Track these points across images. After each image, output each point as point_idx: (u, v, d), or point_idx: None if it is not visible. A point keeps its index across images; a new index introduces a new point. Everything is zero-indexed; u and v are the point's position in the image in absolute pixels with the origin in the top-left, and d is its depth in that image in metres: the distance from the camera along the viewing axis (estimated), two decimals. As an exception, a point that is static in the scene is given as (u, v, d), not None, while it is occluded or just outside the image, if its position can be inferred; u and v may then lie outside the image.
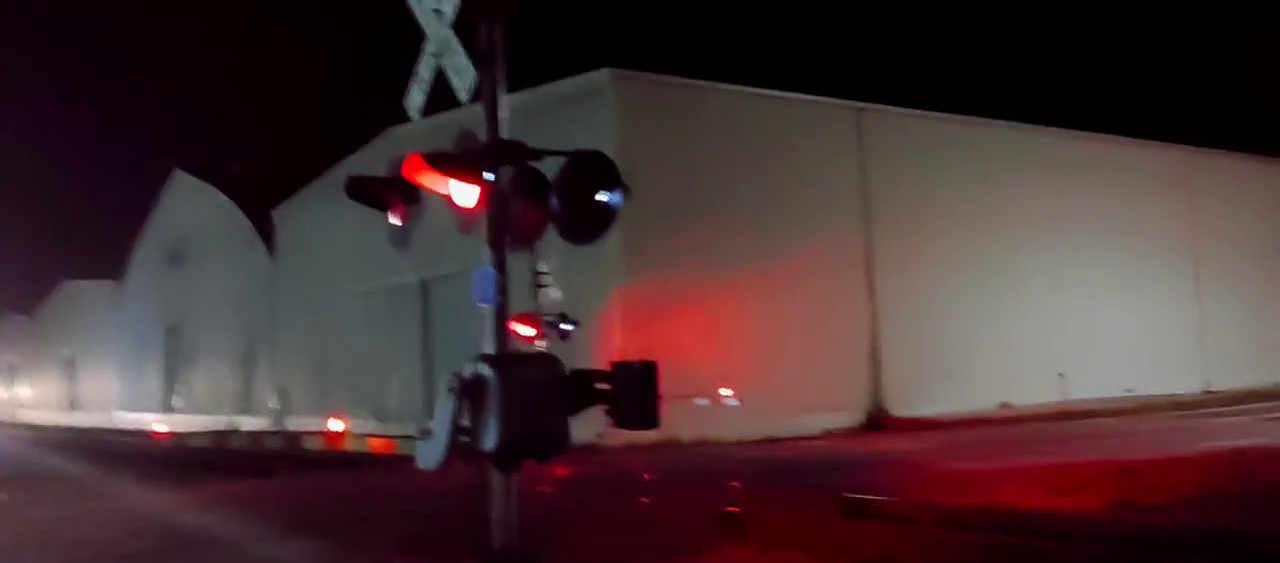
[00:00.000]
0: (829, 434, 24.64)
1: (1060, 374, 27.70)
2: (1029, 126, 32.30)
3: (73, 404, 58.59)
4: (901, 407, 26.59)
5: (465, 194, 5.89)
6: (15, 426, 54.09)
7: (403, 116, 7.01)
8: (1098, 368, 29.77)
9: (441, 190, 5.91)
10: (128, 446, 34.63)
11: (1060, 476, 13.24)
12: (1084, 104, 42.80)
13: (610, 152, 6.33)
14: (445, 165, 5.89)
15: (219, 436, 34.70)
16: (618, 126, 24.34)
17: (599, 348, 21.52)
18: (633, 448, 20.99)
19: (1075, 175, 32.23)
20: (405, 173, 5.91)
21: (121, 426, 47.43)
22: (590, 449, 19.77)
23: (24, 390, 65.66)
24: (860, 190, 28.01)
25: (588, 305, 21.69)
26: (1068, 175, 32.05)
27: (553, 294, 17.09)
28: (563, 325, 15.51)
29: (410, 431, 26.96)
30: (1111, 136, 34.10)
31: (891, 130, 28.98)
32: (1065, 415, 26.04)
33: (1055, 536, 9.46)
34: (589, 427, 6.16)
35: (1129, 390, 29.70)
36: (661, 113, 25.38)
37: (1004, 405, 27.73)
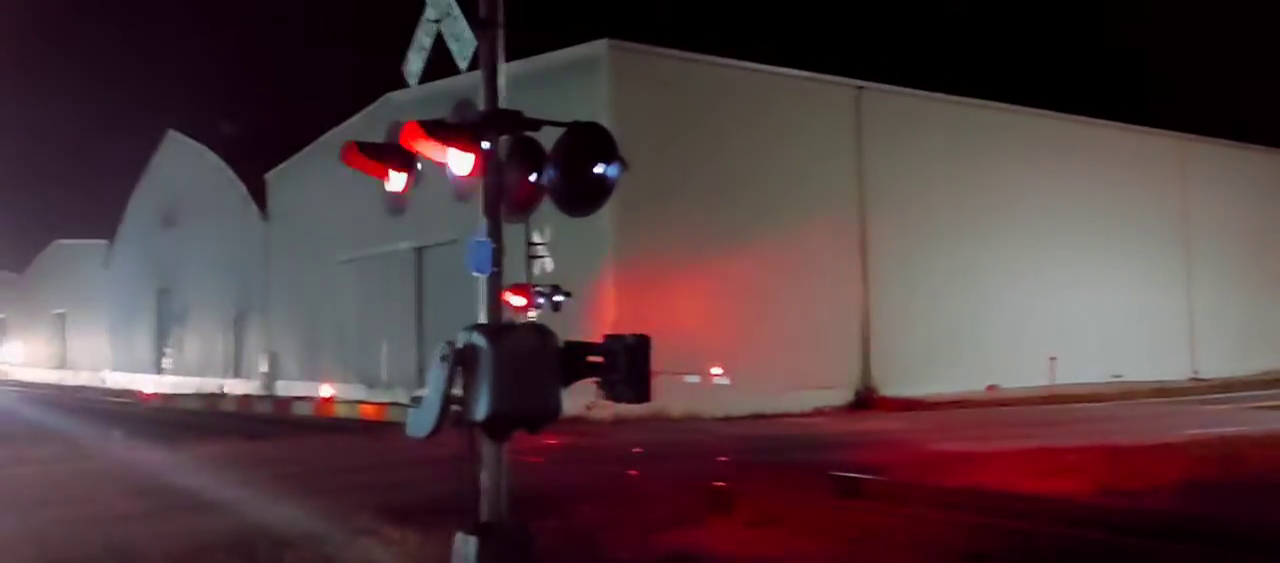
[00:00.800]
0: (818, 412, 24.73)
1: (1051, 358, 27.81)
2: (1025, 110, 32.31)
3: (62, 363, 58.49)
4: (891, 387, 26.68)
5: (462, 163, 5.86)
6: (4, 383, 54.03)
7: (399, 82, 6.95)
8: (1086, 353, 29.90)
9: (438, 158, 5.89)
10: (117, 406, 34.63)
11: (1048, 459, 13.33)
12: (1080, 89, 42.79)
13: (605, 122, 6.30)
14: (443, 134, 5.86)
15: (209, 398, 34.69)
16: (613, 98, 24.25)
17: (591, 320, 21.54)
18: (621, 421, 21.06)
19: (1069, 160, 32.26)
20: (403, 140, 5.88)
21: (111, 386, 47.40)
22: (579, 421, 19.83)
23: (13, 349, 65.52)
24: (856, 169, 27.99)
25: (580, 278, 21.67)
26: (1062, 159, 32.09)
27: (546, 265, 17.11)
28: (555, 297, 15.56)
29: (401, 397, 27.04)
30: (1106, 122, 34.14)
31: (888, 110, 28.93)
32: (1053, 399, 26.16)
33: (1042, 518, 9.53)
34: (577, 398, 6.16)
35: (1117, 376, 29.86)
36: (658, 85, 25.29)
37: (992, 388, 27.85)
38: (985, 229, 29.99)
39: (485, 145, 5.86)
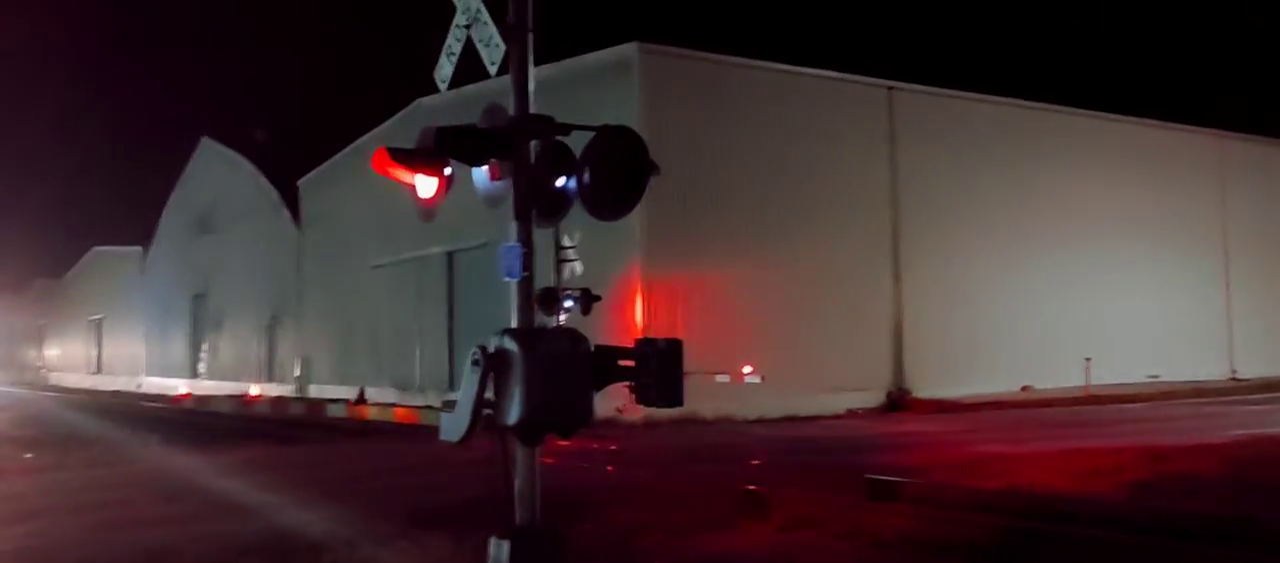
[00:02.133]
0: (851, 414, 24.60)
1: (1087, 359, 27.52)
2: (1060, 108, 32.00)
3: (99, 368, 59.23)
4: (924, 388, 26.50)
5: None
6: (43, 388, 54.77)
7: (429, 88, 6.95)
8: (1122, 353, 29.55)
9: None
10: (153, 410, 35.01)
11: (1084, 460, 13.16)
12: (1116, 87, 42.32)
13: (636, 125, 6.28)
14: (473, 139, 5.86)
15: (243, 402, 35.01)
16: (643, 101, 24.24)
17: (620, 324, 21.56)
18: (652, 424, 21.04)
19: (1105, 158, 31.92)
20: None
21: (147, 390, 47.96)
22: (610, 424, 19.83)
23: (52, 354, 66.41)
24: (888, 169, 27.83)
25: (610, 281, 21.71)
26: (1098, 158, 31.75)
27: (576, 268, 17.16)
28: (585, 301, 15.54)
29: (433, 401, 27.17)
30: (1144, 120, 33.73)
31: (921, 110, 28.75)
32: (1089, 400, 25.89)
33: (1079, 520, 9.40)
34: (608, 401, 6.15)
35: (1154, 376, 29.49)
36: (688, 88, 25.26)
37: (1027, 389, 27.59)
38: (1020, 229, 29.72)
39: (516, 151, 5.85)
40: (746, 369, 21.93)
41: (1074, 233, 30.70)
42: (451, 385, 28.17)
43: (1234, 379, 31.78)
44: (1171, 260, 32.83)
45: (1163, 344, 31.16)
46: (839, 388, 25.06)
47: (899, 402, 26.10)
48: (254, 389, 38.30)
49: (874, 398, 25.97)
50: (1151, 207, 32.61)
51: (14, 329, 69.42)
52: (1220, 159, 35.37)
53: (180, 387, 43.47)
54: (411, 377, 31.77)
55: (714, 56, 26.12)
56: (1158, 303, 31.84)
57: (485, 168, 5.95)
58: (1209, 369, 31.25)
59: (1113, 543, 8.73)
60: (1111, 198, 31.66)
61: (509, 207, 5.98)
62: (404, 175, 5.96)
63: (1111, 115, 32.91)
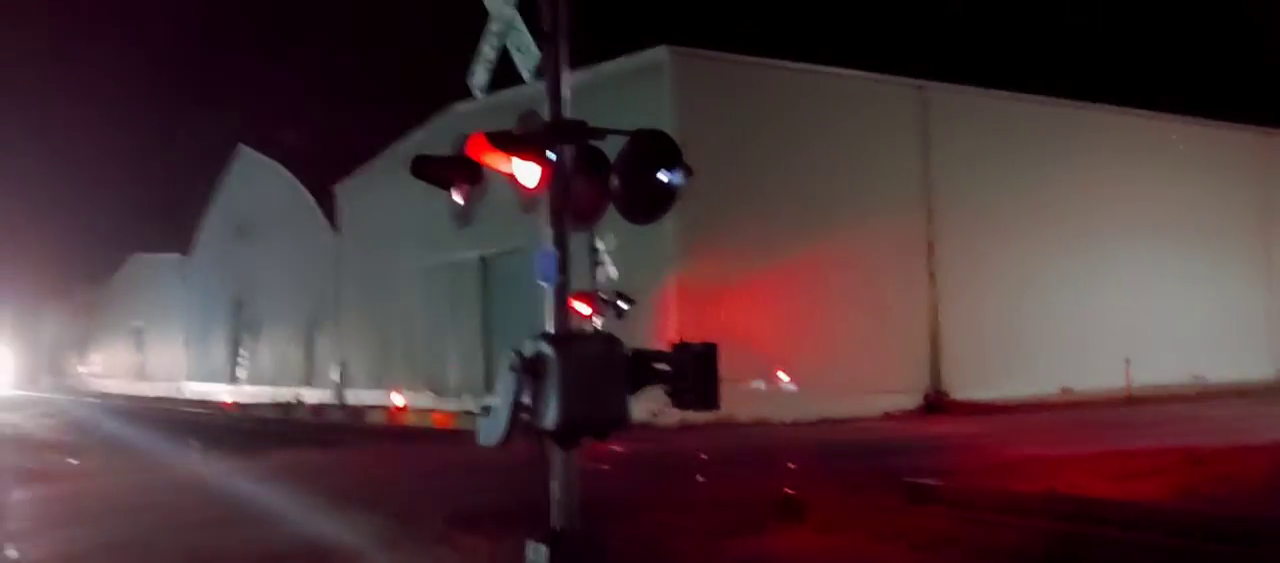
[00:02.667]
0: (887, 416, 24.46)
1: (1126, 359, 27.20)
2: (1096, 106, 31.66)
3: (141, 374, 60.02)
4: (961, 390, 26.31)
5: (528, 173, 5.89)
6: (86, 395, 55.57)
7: (462, 93, 7.00)
8: (1163, 352, 29.16)
9: (505, 169, 5.92)
10: (194, 415, 35.43)
11: (1125, 462, 13.02)
12: (1154, 83, 41.76)
13: (668, 129, 6.30)
14: (509, 144, 5.89)
15: (283, 407, 35.36)
16: (675, 104, 24.27)
17: (654, 327, 21.56)
18: (688, 427, 21.02)
19: (1143, 156, 31.54)
20: (470, 152, 5.92)
21: (188, 396, 48.56)
22: (645, 427, 19.82)
23: (95, 360, 67.38)
24: (922, 169, 27.67)
25: (644, 285, 21.72)
26: (1136, 156, 31.37)
27: (610, 273, 17.19)
28: (620, 304, 15.58)
29: (469, 405, 27.32)
30: (1182, 117, 33.26)
31: (955, 109, 28.56)
32: (1129, 401, 25.59)
33: (1120, 524, 9.29)
34: (643, 404, 6.16)
35: (1196, 376, 29.10)
36: (720, 91, 25.25)
37: (1066, 390, 27.30)
38: (1057, 228, 29.42)
39: (551, 155, 5.89)
40: (781, 374, 21.88)
41: (1112, 231, 30.34)
42: (487, 389, 28.30)
43: (1278, 378, 31.27)
44: (1212, 258, 32.36)
45: (1204, 343, 30.72)
46: (875, 391, 24.91)
47: (936, 404, 25.92)
48: (224, 398, 38.73)
49: (911, 400, 25.81)
50: (1191, 204, 32.16)
51: (59, 337, 70.50)
52: (1262, 155, 34.86)
53: (221, 392, 43.98)
54: (447, 381, 31.95)
55: (745, 58, 26.10)
56: (1198, 301, 31.41)
57: (528, 173, 5.97)
58: (1251, 368, 30.77)
59: (1154, 546, 8.64)
60: (1150, 195, 31.27)
61: (544, 211, 6.01)
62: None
63: (1148, 112, 32.51)
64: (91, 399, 50.11)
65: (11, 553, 8.31)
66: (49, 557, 10.17)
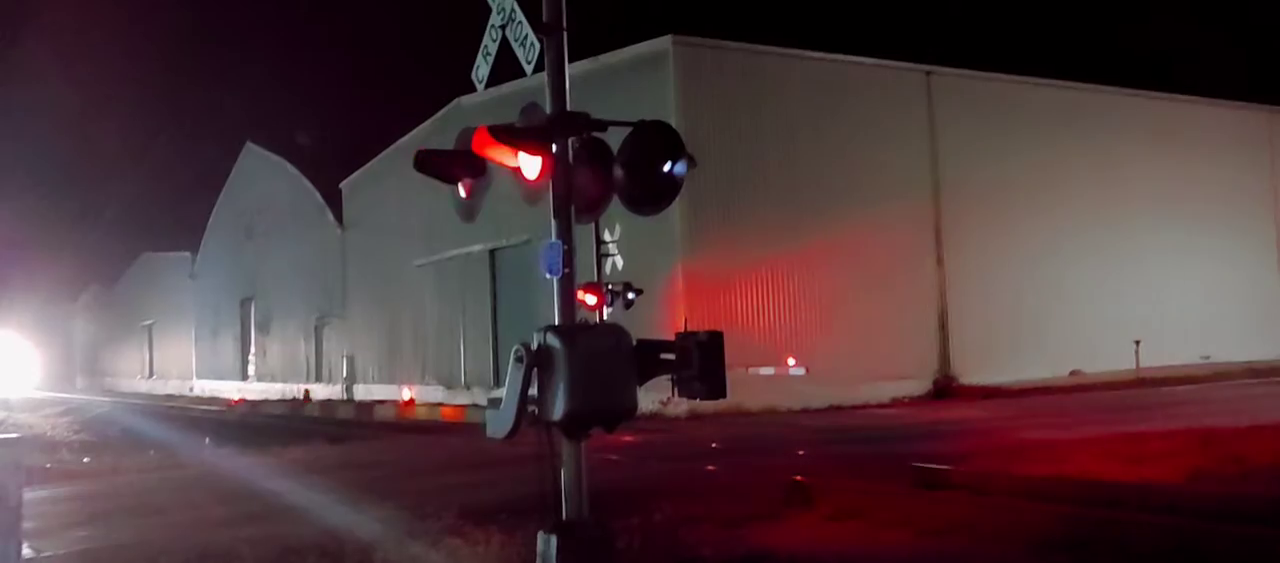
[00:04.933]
0: (896, 402, 24.46)
1: (1136, 341, 27.13)
2: (1104, 88, 31.54)
3: (152, 373, 60.23)
4: (970, 375, 26.28)
5: (532, 166, 5.90)
6: (98, 394, 55.77)
7: (466, 88, 7.04)
8: (1174, 334, 29.10)
9: (509, 163, 5.94)
10: (205, 413, 35.57)
11: (1136, 444, 12.99)
12: (1162, 64, 41.59)
13: (672, 120, 6.32)
14: (512, 138, 5.91)
15: (293, 403, 35.46)
16: (679, 94, 24.24)
17: (662, 317, 21.57)
18: (696, 416, 21.05)
19: (1152, 138, 31.42)
20: (474, 146, 5.94)
21: (199, 393, 48.73)
22: (654, 417, 19.87)
23: (107, 360, 67.55)
24: (929, 154, 27.61)
25: (651, 275, 21.73)
26: (1145, 137, 31.26)
27: (616, 263, 17.24)
28: (628, 295, 15.61)
29: (479, 398, 27.39)
30: (1191, 97, 33.13)
31: (962, 93, 28.49)
32: (1140, 383, 25.54)
33: (1132, 506, 9.28)
34: (652, 394, 6.18)
35: (1205, 357, 29.03)
36: (724, 79, 25.21)
37: (1075, 373, 27.27)
38: (1066, 211, 29.33)
39: (554, 148, 5.90)
40: (790, 361, 21.89)
41: (1120, 213, 30.25)
42: (496, 382, 28.36)
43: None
44: (1221, 239, 32.24)
45: (1214, 324, 30.65)
46: (884, 377, 24.91)
47: (945, 389, 25.90)
48: (234, 395, 38.84)
49: (919, 386, 25.79)
50: (1200, 185, 32.05)
51: (70, 337, 70.71)
52: (1270, 135, 34.70)
53: (231, 389, 44.12)
54: (456, 374, 32.02)
55: (748, 46, 26.05)
56: (1209, 283, 31.32)
57: (531, 165, 5.99)
58: (1262, 349, 30.64)
59: (1166, 528, 8.61)
60: (1158, 177, 31.17)
61: (549, 203, 6.02)
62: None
63: (1156, 93, 32.40)
64: (104, 398, 50.29)
65: (28, 552, 8.37)
66: (66, 556, 10.22)
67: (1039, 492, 10.27)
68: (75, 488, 15.39)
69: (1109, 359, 27.38)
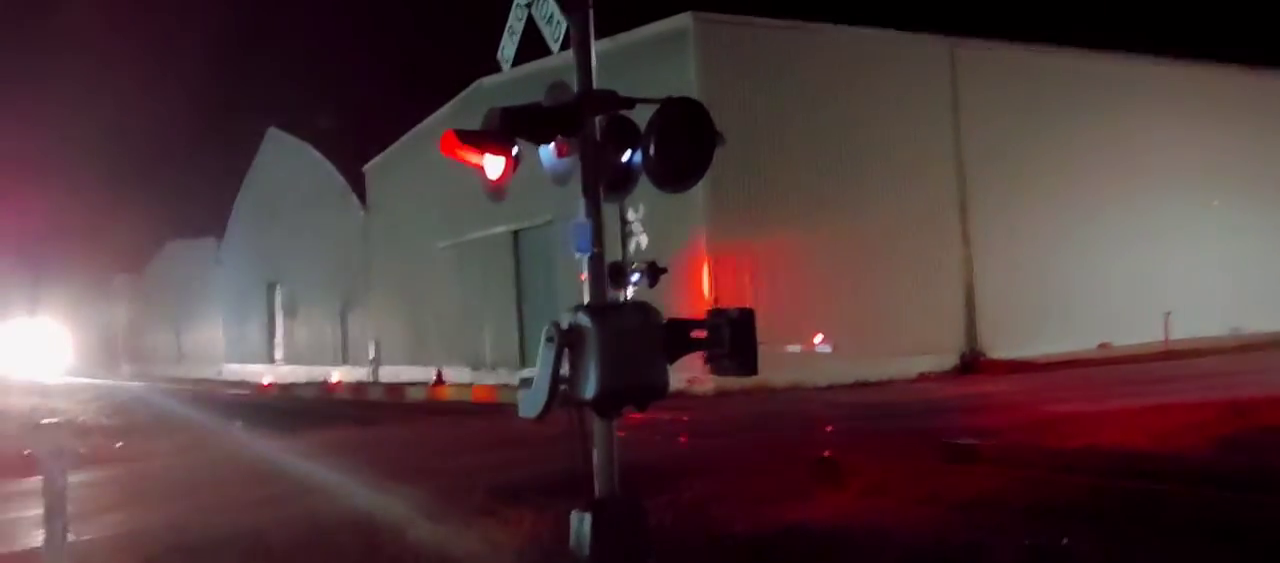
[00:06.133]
0: (923, 378, 24.41)
1: (1166, 313, 26.92)
2: (1131, 57, 31.20)
3: (181, 358, 60.81)
4: (997, 348, 26.17)
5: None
6: (128, 379, 56.37)
7: (489, 69, 7.04)
8: (1203, 306, 28.86)
9: (536, 143, 5.93)
10: (234, 397, 35.88)
11: (1167, 416, 12.94)
12: (1190, 31, 41.03)
13: (693, 96, 6.29)
14: (539, 118, 5.91)
15: (321, 386, 35.72)
16: (700, 70, 24.17)
17: (686, 296, 21.58)
18: (724, 394, 21.08)
19: (1180, 106, 31.09)
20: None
21: (227, 377, 49.18)
22: (682, 396, 19.90)
23: (135, 345, 68.21)
24: (954, 127, 27.43)
25: (675, 253, 21.73)
26: (1172, 107, 30.92)
27: (640, 241, 17.25)
28: (652, 273, 15.60)
29: (506, 378, 27.50)
30: (1219, 65, 32.72)
31: (986, 64, 28.26)
32: (1169, 355, 25.37)
33: (1163, 477, 9.24)
34: (680, 372, 6.17)
35: (1235, 329, 28.79)
36: (745, 55, 25.10)
37: (1104, 345, 27.11)
38: (1093, 182, 29.08)
39: (582, 127, 5.88)
40: (817, 338, 21.85)
41: (1149, 183, 29.98)
42: (522, 362, 28.47)
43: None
44: (1251, 209, 31.91)
45: (1243, 295, 30.37)
46: (910, 352, 24.84)
47: (972, 364, 25.83)
48: (262, 379, 39.10)
49: (946, 361, 25.73)
50: (1229, 154, 31.69)
51: (107, 322, 71.37)
52: (1301, 102, 34.26)
53: (259, 373, 44.49)
54: (482, 355, 32.16)
55: (770, 21, 25.92)
56: (1239, 254, 31.01)
57: (551, 145, 5.99)
58: (1292, 320, 30.38)
59: (1198, 499, 8.58)
60: (1186, 146, 30.84)
61: (575, 183, 6.01)
62: (472, 157, 6.01)
63: (1183, 61, 32.01)
64: (133, 383, 50.82)
65: (69, 537, 8.50)
66: (101, 539, 10.36)
67: (1069, 465, 10.26)
68: (109, 472, 15.57)
69: (1137, 332, 27.19)
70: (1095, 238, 28.88)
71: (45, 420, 9.97)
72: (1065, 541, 7.41)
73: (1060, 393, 18.28)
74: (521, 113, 6.04)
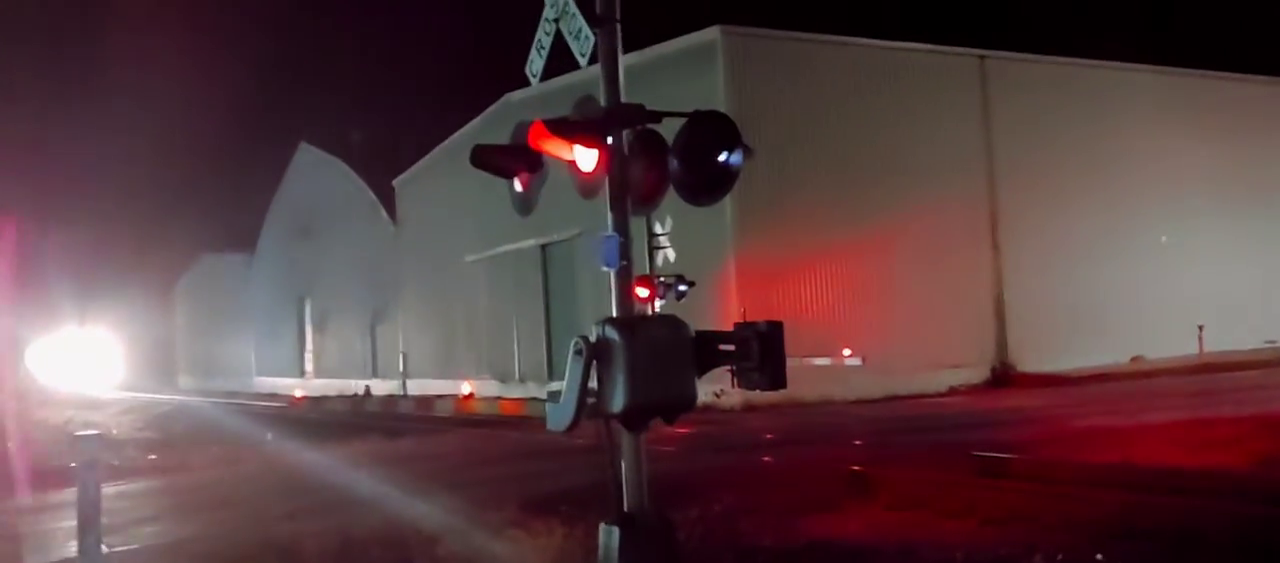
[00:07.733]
0: (954, 391, 24.22)
1: (1199, 326, 26.58)
2: (1163, 69, 30.88)
3: (213, 371, 61.28)
4: (1029, 362, 25.93)
5: (587, 159, 5.90)
6: (161, 393, 56.79)
7: (517, 84, 7.07)
8: (1237, 318, 28.43)
9: (565, 156, 5.94)
10: (267, 410, 36.11)
11: (1201, 431, 12.77)
12: (1221, 43, 40.62)
13: (721, 109, 6.29)
14: (568, 131, 5.92)
15: (353, 399, 35.91)
16: (728, 84, 24.16)
17: (715, 309, 21.53)
18: (752, 407, 21.00)
19: (1211, 118, 30.71)
20: (530, 140, 5.95)
21: (259, 391, 49.52)
22: (710, 409, 19.85)
23: (179, 358, 68.56)
24: (983, 140, 27.26)
25: (703, 266, 21.69)
26: (1204, 119, 30.55)
27: (669, 255, 17.24)
28: (679, 287, 15.60)
29: (533, 391, 27.54)
30: (1252, 77, 32.35)
31: (1015, 76, 28.08)
32: (1203, 368, 25.02)
33: (1199, 493, 9.10)
34: (707, 385, 6.14)
35: (1270, 342, 28.37)
36: (773, 69, 25.08)
37: (1137, 359, 26.79)
38: (1124, 195, 28.78)
39: (610, 140, 5.90)
40: (846, 351, 21.73)
41: (1181, 195, 29.63)
42: (550, 375, 28.50)
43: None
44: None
45: (1278, 308, 29.92)
46: (940, 365, 24.66)
47: (1003, 377, 25.60)
48: (294, 393, 39.37)
49: (977, 374, 25.52)
50: (1261, 166, 31.30)
51: (137, 338, 71.89)
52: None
53: (290, 386, 44.77)
54: (510, 368, 32.23)
55: (798, 35, 25.88)
56: (1271, 266, 30.58)
57: (586, 158, 5.98)
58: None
59: (1233, 515, 8.44)
60: (1220, 159, 30.45)
61: (603, 197, 6.02)
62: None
63: (1214, 73, 31.69)
64: (167, 397, 51.19)
65: (102, 549, 8.59)
66: (135, 551, 10.45)
67: (1103, 480, 10.12)
68: (142, 486, 15.71)
69: (1171, 345, 26.86)
70: (1127, 251, 28.57)
71: (80, 432, 10.06)
72: (1099, 557, 7.31)
73: (1093, 407, 18.08)
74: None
